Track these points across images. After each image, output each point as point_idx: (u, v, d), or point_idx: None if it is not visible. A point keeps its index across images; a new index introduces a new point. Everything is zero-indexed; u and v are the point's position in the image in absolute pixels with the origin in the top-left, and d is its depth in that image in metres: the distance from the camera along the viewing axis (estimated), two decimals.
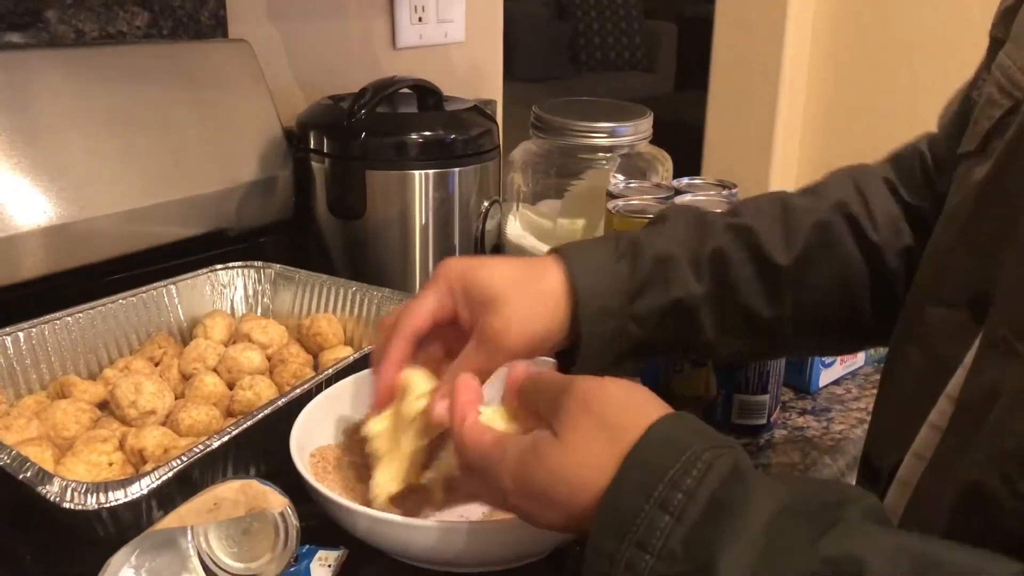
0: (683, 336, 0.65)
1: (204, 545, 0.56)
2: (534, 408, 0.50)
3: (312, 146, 1.03)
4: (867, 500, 0.41)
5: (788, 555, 0.38)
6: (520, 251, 1.07)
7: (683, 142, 1.11)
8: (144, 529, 0.62)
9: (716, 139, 2.16)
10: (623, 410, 0.45)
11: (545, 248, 1.01)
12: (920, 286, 0.56)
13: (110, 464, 0.68)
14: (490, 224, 1.07)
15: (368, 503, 0.59)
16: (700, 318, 0.64)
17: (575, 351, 0.63)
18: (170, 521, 0.53)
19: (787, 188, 0.71)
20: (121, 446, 0.71)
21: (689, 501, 0.39)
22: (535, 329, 0.60)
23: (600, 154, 1.03)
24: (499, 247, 1.10)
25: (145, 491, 0.58)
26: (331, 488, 0.64)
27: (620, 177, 1.02)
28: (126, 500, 0.57)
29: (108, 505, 0.57)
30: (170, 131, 0.98)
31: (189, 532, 0.55)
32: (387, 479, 0.58)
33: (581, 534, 0.44)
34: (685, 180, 0.94)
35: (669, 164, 1.07)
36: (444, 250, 1.05)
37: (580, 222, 1.05)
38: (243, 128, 1.04)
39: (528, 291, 0.60)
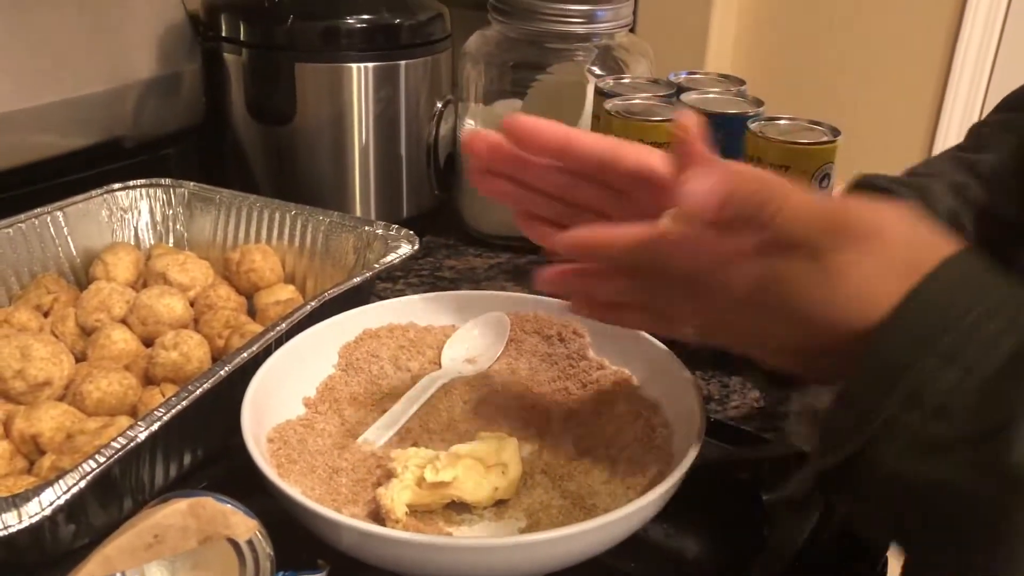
0: None
1: None
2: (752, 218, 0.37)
3: (225, 33, 0.85)
4: None
5: None
6: None
7: None
8: (48, 549, 0.47)
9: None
10: (910, 245, 0.36)
11: None
12: None
13: None
14: (444, 128, 0.91)
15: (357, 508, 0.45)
16: None
17: None
18: (92, 570, 0.37)
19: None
20: (7, 432, 0.54)
21: (984, 353, 0.33)
22: None
23: (575, 44, 0.86)
24: (454, 156, 0.93)
25: (48, 510, 0.42)
26: (300, 484, 0.49)
27: (597, 71, 0.86)
28: (20, 527, 0.41)
29: None
30: (45, 15, 0.78)
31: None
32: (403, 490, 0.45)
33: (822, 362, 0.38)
34: (684, 74, 0.80)
35: (652, 57, 0.92)
36: (390, 160, 0.88)
37: None
38: (137, 12, 0.85)
39: None
